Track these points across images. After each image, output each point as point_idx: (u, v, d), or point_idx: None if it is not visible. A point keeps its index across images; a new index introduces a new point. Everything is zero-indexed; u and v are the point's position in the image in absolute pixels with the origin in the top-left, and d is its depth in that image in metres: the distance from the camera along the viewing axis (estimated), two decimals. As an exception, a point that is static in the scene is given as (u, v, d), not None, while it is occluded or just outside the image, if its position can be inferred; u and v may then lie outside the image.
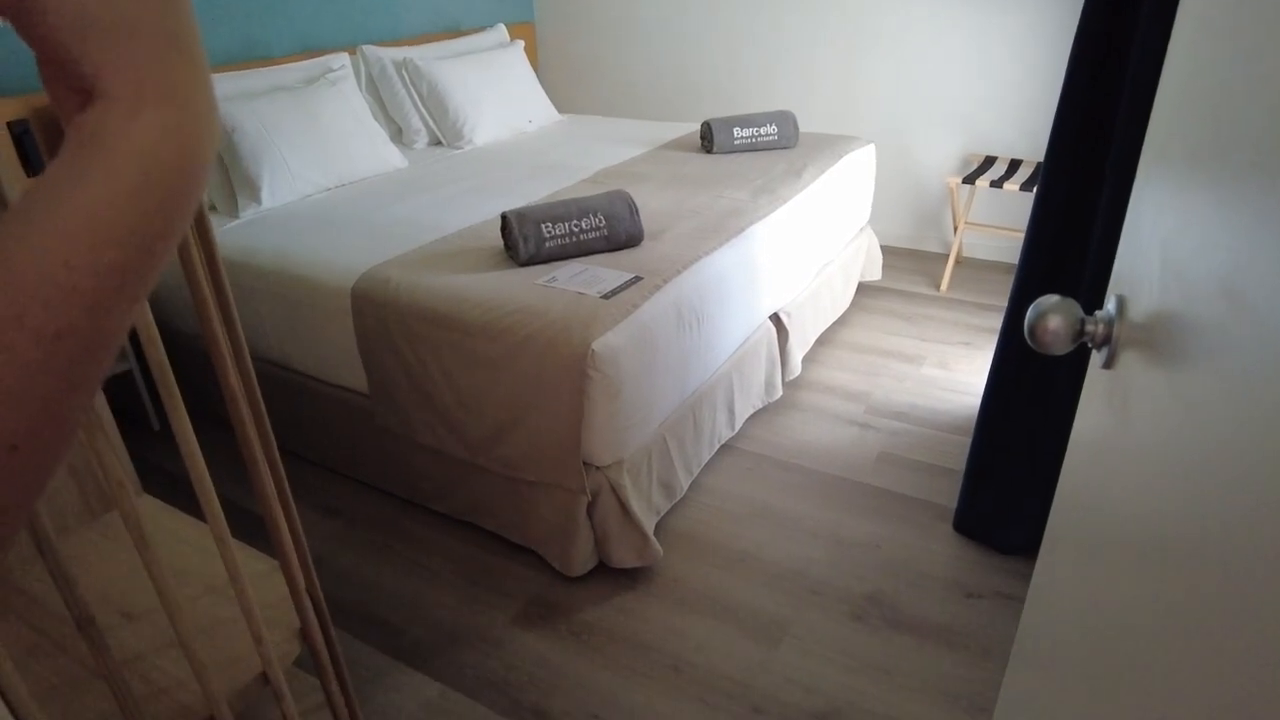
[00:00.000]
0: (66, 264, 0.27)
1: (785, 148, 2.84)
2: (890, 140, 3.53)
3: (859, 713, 1.47)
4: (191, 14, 0.31)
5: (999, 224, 3.39)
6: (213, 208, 2.47)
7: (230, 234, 2.25)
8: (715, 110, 3.91)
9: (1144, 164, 0.71)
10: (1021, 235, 1.83)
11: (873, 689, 1.52)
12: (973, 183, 2.97)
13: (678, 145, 3.00)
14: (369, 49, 3.14)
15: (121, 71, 0.28)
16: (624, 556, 1.76)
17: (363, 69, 3.16)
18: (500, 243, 2.02)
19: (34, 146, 2.18)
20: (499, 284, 1.79)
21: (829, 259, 2.70)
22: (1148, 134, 0.71)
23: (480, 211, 2.32)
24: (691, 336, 1.88)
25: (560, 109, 4.31)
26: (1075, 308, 0.67)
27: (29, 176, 2.03)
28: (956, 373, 2.60)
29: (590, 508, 1.72)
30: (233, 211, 2.42)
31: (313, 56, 2.97)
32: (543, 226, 1.88)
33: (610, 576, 1.81)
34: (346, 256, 2.02)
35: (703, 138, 2.89)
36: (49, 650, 1.22)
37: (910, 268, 3.45)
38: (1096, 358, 0.72)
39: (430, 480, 1.98)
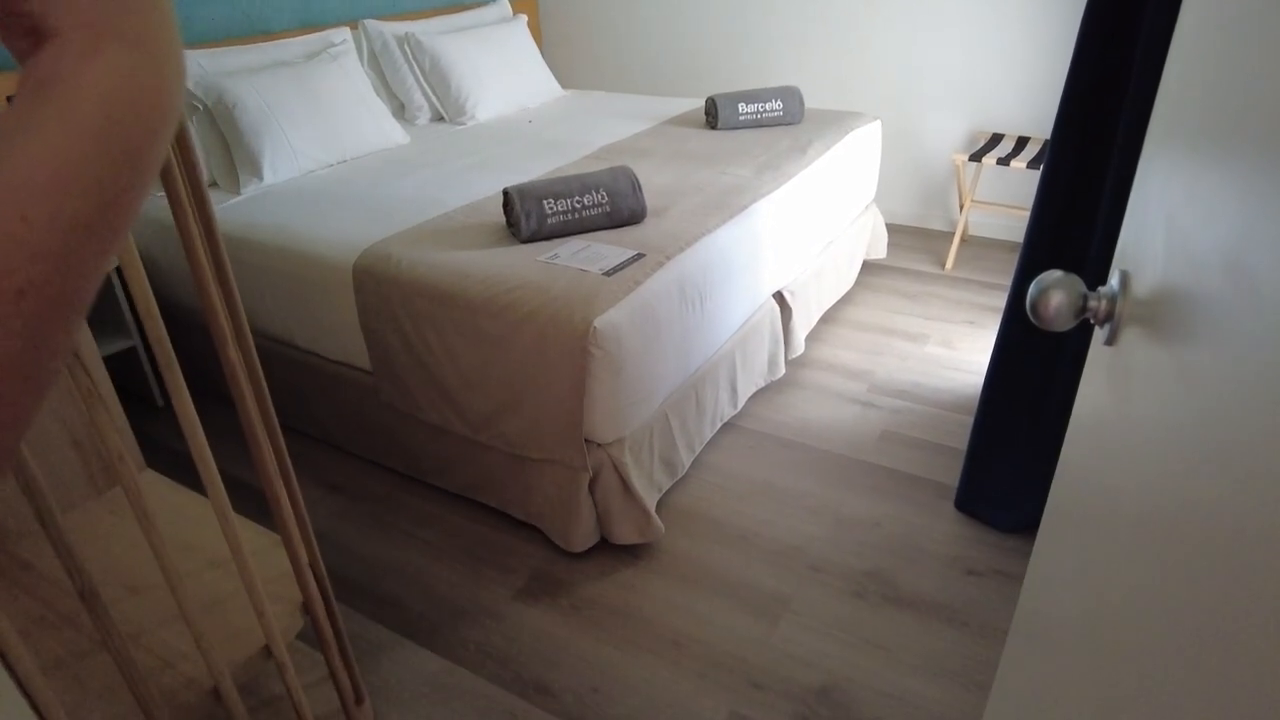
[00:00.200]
0: (23, 218, 0.25)
1: (790, 124, 2.82)
2: (896, 117, 3.49)
3: (858, 688, 1.48)
4: None
5: (1005, 202, 3.36)
6: (214, 184, 2.46)
7: (232, 210, 2.25)
8: (720, 85, 3.87)
9: (1150, 137, 0.70)
10: (1028, 213, 1.82)
11: (872, 665, 1.53)
12: (979, 160, 2.94)
13: (682, 121, 2.97)
14: (370, 23, 3.11)
15: (71, 10, 0.27)
16: (625, 533, 1.77)
17: (364, 44, 3.13)
18: (502, 219, 2.01)
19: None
20: (501, 260, 1.79)
21: (833, 237, 2.68)
22: (1155, 107, 0.70)
23: (482, 187, 2.31)
24: (694, 314, 1.87)
25: (564, 84, 4.28)
26: (1078, 283, 0.66)
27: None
28: (960, 351, 2.59)
29: (592, 485, 1.73)
30: (234, 188, 2.41)
31: (314, 31, 2.94)
32: (545, 203, 1.87)
33: (612, 552, 1.82)
34: (348, 233, 2.01)
35: (707, 113, 2.86)
36: (55, 623, 1.23)
37: (915, 246, 3.43)
38: (1099, 334, 0.71)
39: (433, 456, 1.98)
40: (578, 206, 1.90)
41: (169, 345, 0.91)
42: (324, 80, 2.62)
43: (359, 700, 1.45)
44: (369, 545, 1.89)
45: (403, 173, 2.48)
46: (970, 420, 2.22)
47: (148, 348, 2.37)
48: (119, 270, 2.20)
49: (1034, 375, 1.74)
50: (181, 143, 0.92)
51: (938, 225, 3.60)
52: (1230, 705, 0.37)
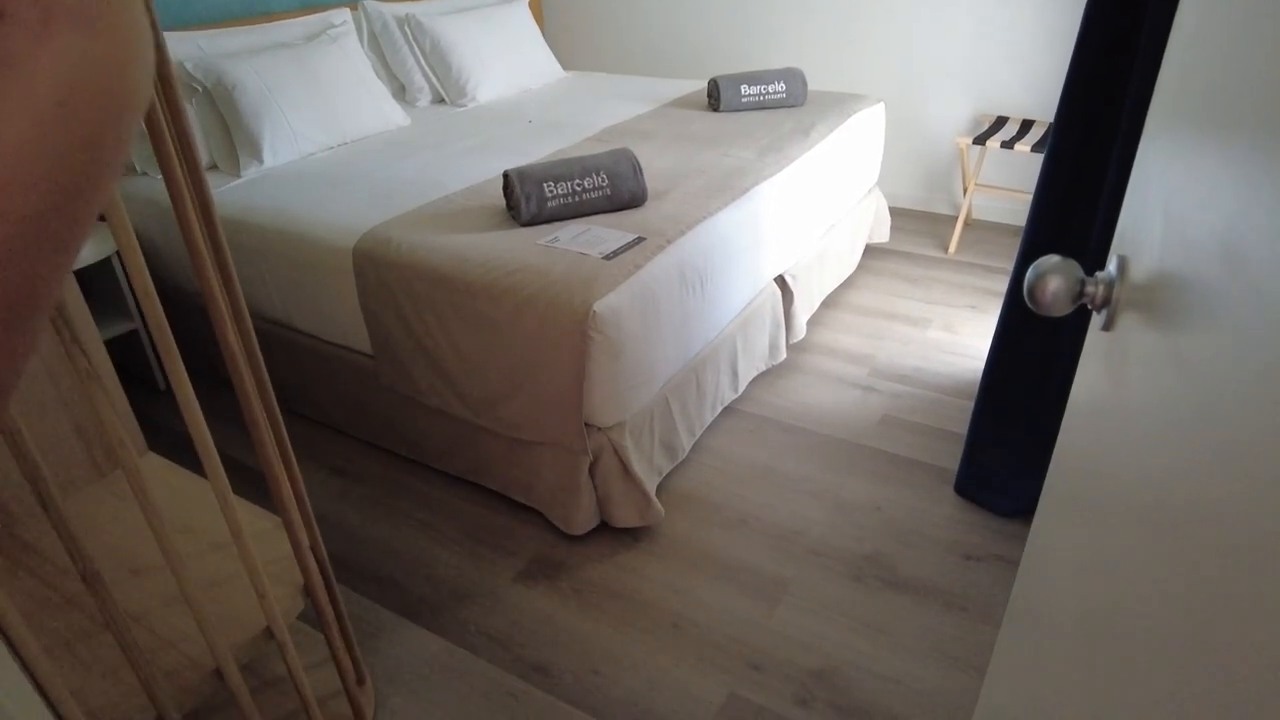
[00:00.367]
0: None
1: (793, 106, 2.80)
2: (900, 99, 3.46)
3: (856, 671, 1.49)
4: None
5: (1009, 186, 3.34)
6: (214, 166, 2.45)
7: (232, 193, 2.24)
8: (723, 67, 3.84)
9: (1151, 121, 0.69)
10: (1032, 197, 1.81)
11: (870, 648, 1.54)
12: (983, 143, 2.92)
13: (684, 103, 2.95)
14: (371, 4, 3.09)
15: None
16: (626, 516, 1.78)
17: (364, 25, 3.11)
18: (502, 202, 2.00)
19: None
20: (501, 244, 1.78)
21: (836, 220, 2.67)
22: (1156, 90, 0.69)
23: (483, 170, 2.30)
24: (695, 298, 1.87)
25: (565, 66, 4.25)
26: (1075, 268, 0.66)
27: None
28: (962, 336, 2.59)
29: (592, 468, 1.73)
30: (234, 170, 2.40)
31: (314, 12, 2.92)
32: (545, 186, 1.86)
33: (612, 536, 1.83)
34: (348, 216, 2.01)
35: (709, 95, 2.84)
36: (59, 604, 1.24)
37: (919, 229, 3.41)
38: (1096, 320, 0.71)
39: (434, 440, 1.99)
40: (578, 189, 1.89)
41: (168, 330, 0.91)
42: (324, 62, 2.61)
43: (360, 681, 1.47)
44: (370, 528, 1.90)
45: (403, 155, 2.47)
46: (971, 405, 2.22)
47: (149, 331, 2.37)
48: (119, 254, 2.20)
49: (1034, 360, 1.74)
50: (178, 125, 0.91)
51: (941, 209, 3.58)
52: (1220, 686, 0.37)
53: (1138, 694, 0.48)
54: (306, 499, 1.23)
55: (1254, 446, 0.36)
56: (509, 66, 3.25)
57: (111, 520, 1.42)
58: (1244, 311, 0.39)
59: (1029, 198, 3.13)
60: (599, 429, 1.71)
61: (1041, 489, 1.00)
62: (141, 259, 0.87)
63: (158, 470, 1.52)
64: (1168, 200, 0.57)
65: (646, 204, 1.99)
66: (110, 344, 2.32)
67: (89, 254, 2.15)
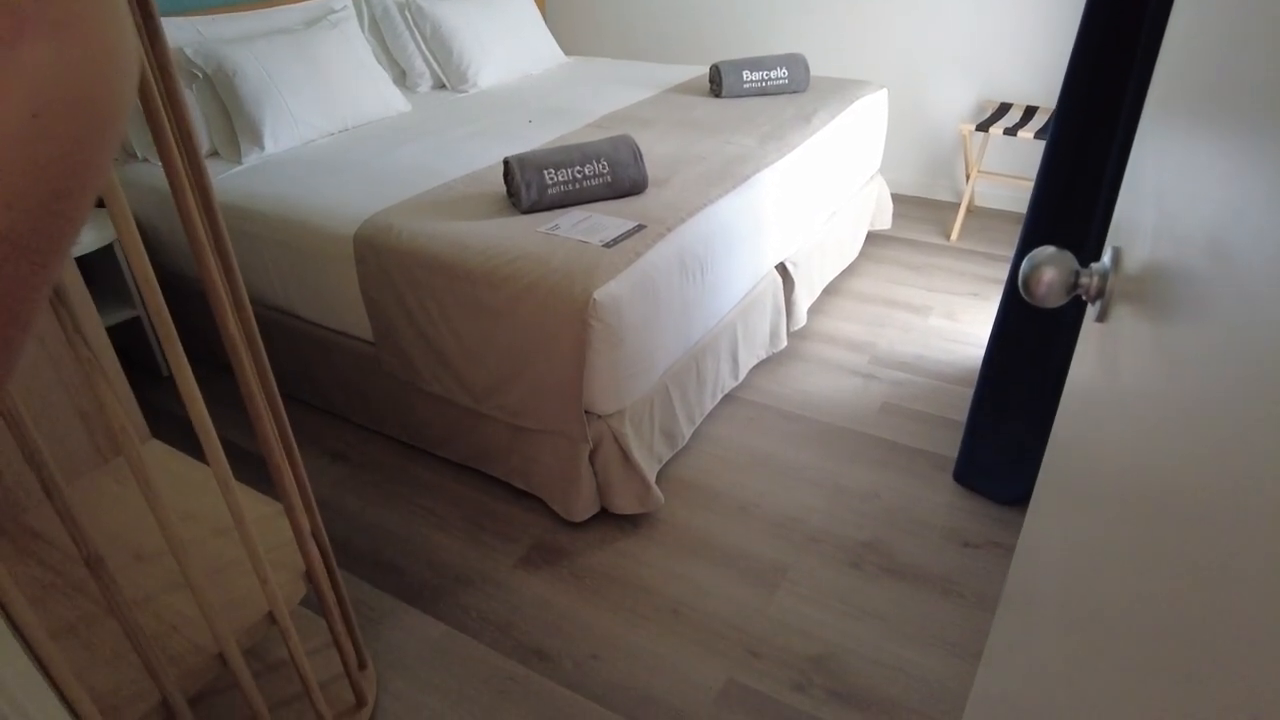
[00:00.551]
0: None
1: (795, 92, 2.78)
2: (903, 85, 3.44)
3: (853, 657, 1.51)
4: None
5: (1012, 173, 3.33)
6: (215, 153, 2.45)
7: (233, 180, 2.24)
8: (725, 52, 3.82)
9: (1147, 111, 0.69)
10: (1032, 184, 1.80)
11: (868, 635, 1.55)
12: (986, 130, 2.91)
13: (686, 89, 2.94)
14: (371, -12, 3.07)
15: None
16: (625, 503, 1.79)
17: (365, 10, 3.09)
18: (503, 189, 2.00)
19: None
20: (501, 231, 1.78)
21: (838, 207, 2.66)
22: (1153, 80, 0.69)
23: (483, 156, 2.30)
24: (695, 286, 1.87)
25: (567, 51, 4.22)
26: (1070, 260, 0.66)
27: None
28: (963, 323, 2.59)
29: (592, 455, 1.74)
30: (235, 157, 2.40)
31: (313, -4, 2.90)
32: (545, 173, 1.86)
33: (612, 522, 1.84)
34: (349, 202, 2.01)
35: (711, 81, 2.83)
36: (64, 590, 1.25)
37: (921, 216, 3.40)
38: (1092, 311, 0.71)
39: (436, 426, 2.00)
40: (578, 176, 1.89)
41: (169, 318, 0.91)
42: (324, 47, 2.60)
43: (362, 665, 1.48)
44: (372, 513, 1.91)
45: (404, 141, 2.47)
46: (971, 393, 2.23)
47: (151, 318, 2.38)
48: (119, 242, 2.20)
49: (1034, 348, 1.74)
50: (179, 116, 0.92)
51: (944, 196, 3.57)
52: (1210, 671, 0.37)
53: (1125, 677, 0.48)
54: (308, 485, 1.24)
55: (1238, 439, 0.36)
56: (510, 52, 3.24)
57: (115, 506, 1.44)
58: (1229, 306, 0.39)
59: (1032, 185, 3.12)
60: (599, 416, 1.72)
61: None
62: (141, 247, 0.87)
63: (160, 457, 1.53)
64: (1161, 193, 0.57)
65: (647, 191, 1.98)
66: (113, 330, 2.33)
67: (90, 240, 2.15)
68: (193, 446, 1.70)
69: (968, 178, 3.13)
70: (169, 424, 2.22)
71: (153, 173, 2.31)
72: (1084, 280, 0.66)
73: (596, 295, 1.56)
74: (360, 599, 1.68)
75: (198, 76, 2.39)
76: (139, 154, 2.42)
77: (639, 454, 1.75)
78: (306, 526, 1.21)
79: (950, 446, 2.04)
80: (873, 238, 3.20)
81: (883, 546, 1.75)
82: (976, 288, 2.80)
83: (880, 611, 1.60)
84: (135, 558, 1.31)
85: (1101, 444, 0.63)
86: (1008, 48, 3.16)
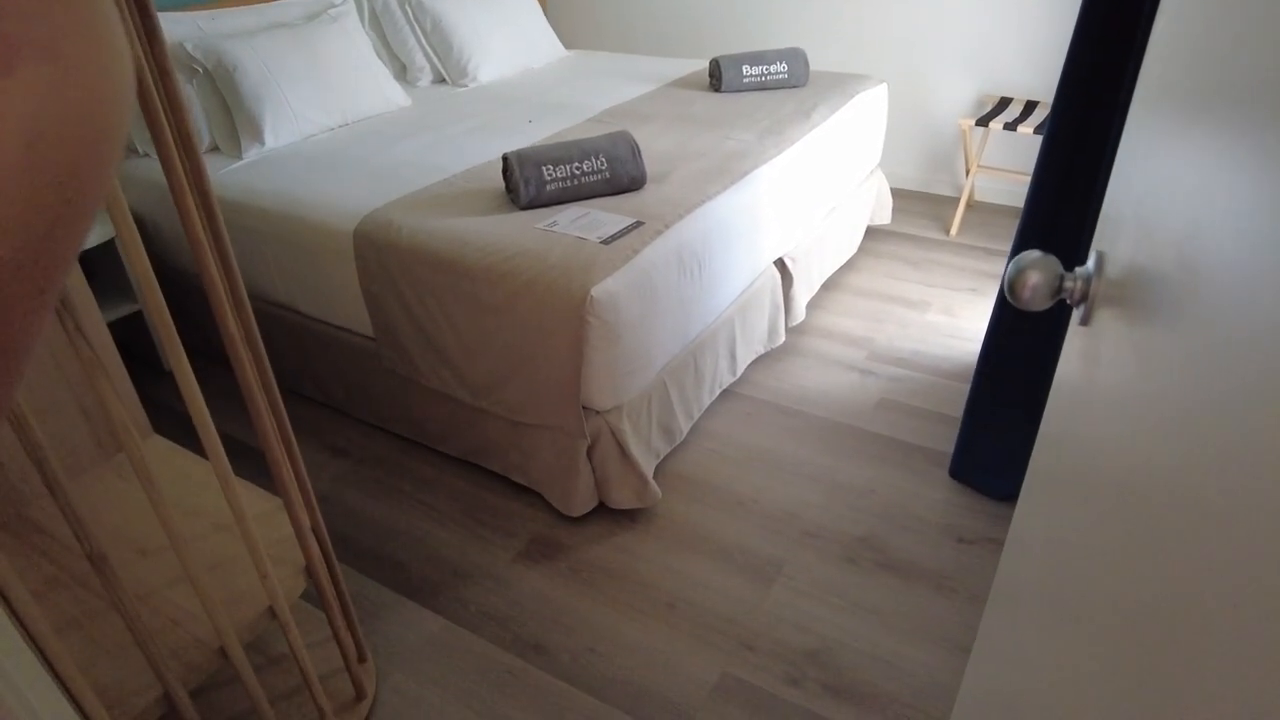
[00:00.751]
0: None
1: (795, 86, 2.78)
2: (903, 79, 3.44)
3: (848, 652, 1.52)
4: None
5: (1012, 168, 3.33)
6: (215, 148, 2.45)
7: (233, 175, 2.25)
8: (725, 46, 3.81)
9: (1131, 114, 0.70)
10: (1029, 181, 1.81)
11: (862, 629, 1.56)
12: (986, 125, 2.91)
13: (685, 83, 2.94)
14: (371, -17, 3.07)
15: None
16: (623, 498, 1.80)
17: (365, 5, 3.09)
18: (502, 185, 2.01)
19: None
20: (500, 228, 1.79)
21: (837, 203, 2.67)
22: (1138, 84, 0.70)
23: (483, 152, 2.30)
24: (693, 283, 1.88)
25: (567, 45, 4.22)
26: (1055, 264, 0.67)
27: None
28: (961, 319, 2.59)
29: (590, 451, 1.76)
30: (235, 152, 2.41)
31: (313, -9, 2.90)
32: (544, 169, 1.87)
33: (610, 517, 1.86)
34: (349, 198, 2.02)
35: (711, 76, 2.83)
36: (68, 584, 1.27)
37: (920, 211, 3.40)
38: (1076, 314, 0.72)
39: (435, 422, 2.01)
40: (577, 173, 1.90)
41: (169, 320, 0.93)
42: (324, 42, 2.60)
43: (362, 659, 1.50)
44: (372, 508, 1.93)
45: (404, 136, 2.48)
46: (968, 388, 2.23)
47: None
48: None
49: (1030, 345, 1.75)
50: (178, 117, 0.93)
51: (944, 190, 3.57)
52: (1192, 660, 0.39)
53: (1105, 669, 0.50)
54: (308, 481, 1.25)
55: (1210, 441, 0.37)
56: (510, 46, 3.24)
57: (118, 501, 1.45)
58: (1199, 313, 0.40)
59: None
60: (597, 412, 1.73)
61: (1030, 475, 1.02)
62: (141, 249, 0.88)
63: (162, 453, 1.55)
64: (1140, 199, 0.58)
65: (646, 187, 1.99)
66: (114, 325, 2.34)
67: (92, 236, 2.17)
68: (194, 441, 1.71)
69: (967, 172, 3.13)
70: (170, 419, 2.24)
71: (154, 168, 2.32)
72: (1068, 284, 0.67)
73: (594, 292, 1.57)
74: (360, 593, 1.70)
75: (198, 72, 2.40)
76: (140, 149, 2.43)
77: (636, 450, 1.77)
78: (306, 522, 1.22)
79: (947, 442, 2.05)
80: (872, 233, 3.20)
81: (878, 542, 1.76)
82: (975, 283, 2.81)
83: (875, 606, 1.61)
84: (138, 553, 1.33)
85: (1081, 444, 0.64)
86: (1008, 42, 3.16)
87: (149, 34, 0.89)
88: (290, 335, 2.22)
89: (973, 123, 2.95)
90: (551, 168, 1.88)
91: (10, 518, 1.39)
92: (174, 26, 2.44)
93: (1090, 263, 0.67)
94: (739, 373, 2.22)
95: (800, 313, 2.45)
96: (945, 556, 1.72)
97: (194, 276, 2.35)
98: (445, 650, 1.56)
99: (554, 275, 1.62)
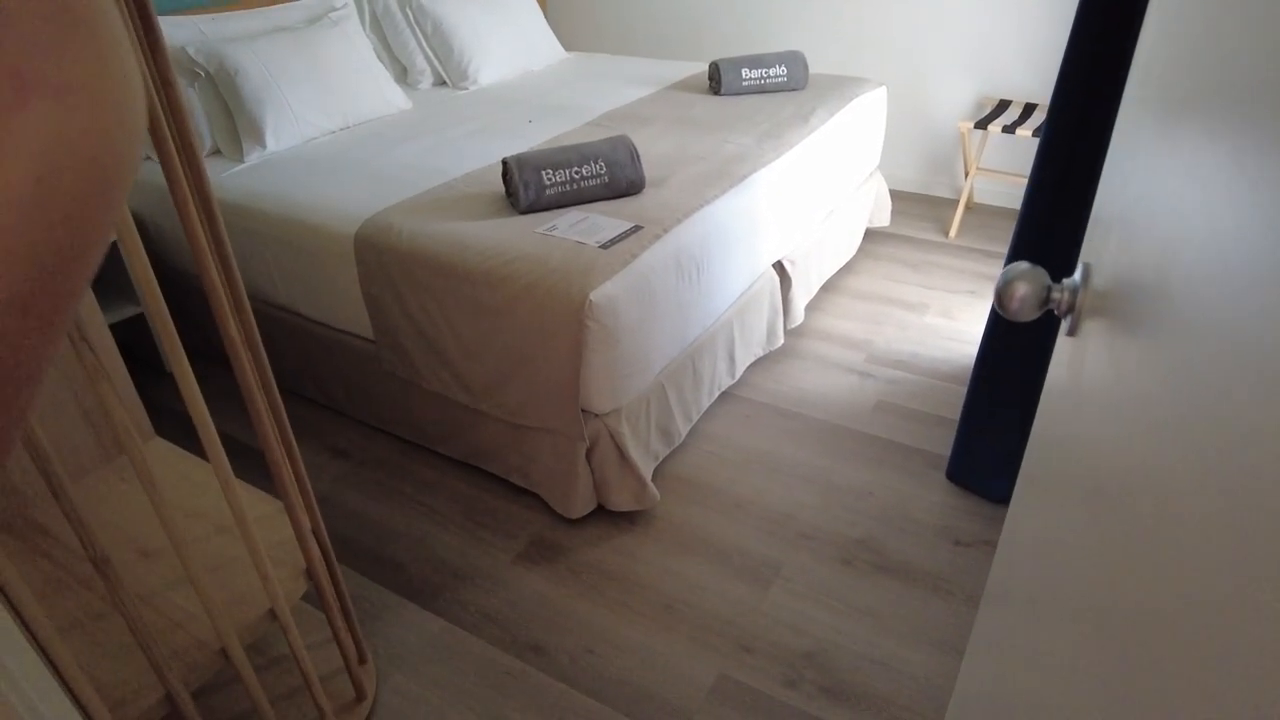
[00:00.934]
0: None
1: (794, 89, 2.79)
2: (903, 82, 3.45)
3: (844, 654, 1.53)
4: None
5: (1011, 170, 3.34)
6: (217, 151, 2.47)
7: (235, 178, 2.26)
8: (725, 48, 3.82)
9: (1118, 126, 0.71)
10: (1026, 185, 1.81)
11: (859, 631, 1.58)
12: (985, 127, 2.92)
13: (685, 86, 2.95)
14: (372, -14, 3.09)
15: None
16: (622, 500, 1.81)
17: (366, 8, 3.11)
18: (502, 188, 2.02)
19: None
20: (500, 232, 1.80)
21: (836, 205, 2.68)
22: (1124, 93, 0.71)
23: (483, 155, 2.31)
24: (691, 286, 1.89)
25: (567, 47, 4.23)
26: (1043, 275, 0.68)
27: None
28: (960, 322, 2.60)
29: (589, 453, 1.77)
30: (237, 155, 2.42)
31: (315, -6, 2.92)
32: (543, 174, 1.88)
33: (609, 519, 1.87)
34: (350, 202, 2.03)
35: (710, 78, 2.84)
36: (72, 585, 1.28)
37: (920, 213, 3.41)
38: (1064, 325, 0.73)
39: (436, 424, 2.02)
40: (576, 177, 1.91)
41: (171, 325, 0.94)
42: (325, 45, 2.62)
43: (362, 660, 1.51)
44: (373, 509, 1.94)
45: (404, 139, 2.49)
46: (965, 391, 2.24)
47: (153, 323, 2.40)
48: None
49: (1026, 348, 1.76)
50: (179, 123, 0.94)
51: (943, 192, 3.58)
52: (1179, 658, 0.40)
53: (1103, 669, 0.51)
54: (308, 484, 1.27)
55: (1191, 455, 0.38)
56: (511, 48, 3.25)
57: (121, 503, 1.47)
58: (1175, 327, 0.41)
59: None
60: (596, 415, 1.74)
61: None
62: (145, 258, 0.90)
63: (163, 455, 1.56)
64: (1123, 210, 0.59)
65: (645, 191, 2.00)
66: (117, 327, 2.36)
67: (95, 239, 2.18)
68: (196, 441, 1.73)
69: (966, 174, 3.14)
70: (172, 420, 2.25)
71: (156, 170, 2.33)
72: (1055, 296, 0.68)
73: (592, 296, 1.58)
74: (361, 594, 1.71)
75: (200, 75, 2.41)
76: (143, 152, 2.44)
77: (635, 452, 1.78)
78: (307, 525, 1.23)
79: (944, 445, 2.06)
80: (871, 235, 3.21)
81: (875, 544, 1.77)
82: (974, 285, 2.82)
83: (871, 608, 1.62)
84: (140, 554, 1.34)
85: (1068, 449, 0.65)
86: (1007, 44, 3.17)
87: (151, 45, 0.90)
88: (291, 337, 2.23)
89: (972, 125, 2.96)
90: (551, 172, 1.89)
91: (14, 520, 1.40)
92: (176, 30, 2.45)
93: (1077, 274, 0.68)
94: (738, 375, 2.23)
95: (799, 315, 2.46)
96: (942, 559, 1.73)
97: (195, 277, 2.36)
98: (445, 651, 1.57)
99: (553, 279, 1.63)
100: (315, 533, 1.29)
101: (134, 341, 2.49)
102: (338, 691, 1.47)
